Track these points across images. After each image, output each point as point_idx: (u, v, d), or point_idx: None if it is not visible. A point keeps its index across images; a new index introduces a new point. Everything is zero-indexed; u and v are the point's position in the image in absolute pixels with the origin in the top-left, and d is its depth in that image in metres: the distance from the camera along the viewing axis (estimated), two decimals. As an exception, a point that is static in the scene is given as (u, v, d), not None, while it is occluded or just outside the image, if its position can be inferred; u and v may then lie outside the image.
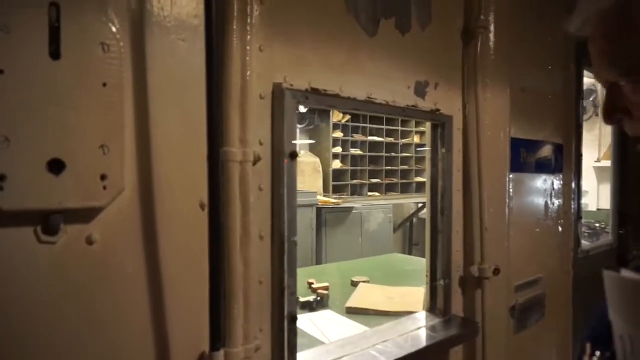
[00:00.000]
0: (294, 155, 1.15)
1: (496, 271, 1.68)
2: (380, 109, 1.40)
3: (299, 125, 6.03)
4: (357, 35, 1.37)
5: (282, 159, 1.14)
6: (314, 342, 1.51)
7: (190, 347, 0.99)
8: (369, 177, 6.44)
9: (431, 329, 1.53)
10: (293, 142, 1.16)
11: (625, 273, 0.64)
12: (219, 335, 0.94)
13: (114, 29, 0.86)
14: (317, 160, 5.81)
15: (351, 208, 5.42)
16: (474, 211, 1.72)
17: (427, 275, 1.67)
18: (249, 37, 1.07)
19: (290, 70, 1.19)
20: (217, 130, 0.92)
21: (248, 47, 1.07)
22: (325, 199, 5.32)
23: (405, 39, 1.52)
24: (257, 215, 1.13)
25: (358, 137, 6.33)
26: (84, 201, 0.83)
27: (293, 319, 1.15)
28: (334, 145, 6.02)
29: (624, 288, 0.64)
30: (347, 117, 5.97)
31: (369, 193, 6.41)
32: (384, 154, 6.54)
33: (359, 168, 6.32)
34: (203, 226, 0.97)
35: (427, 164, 1.69)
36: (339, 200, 5.45)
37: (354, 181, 6.26)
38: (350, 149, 6.23)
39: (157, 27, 0.96)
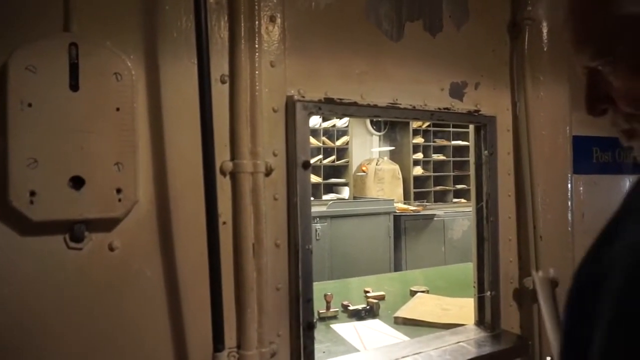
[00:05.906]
0: (306, 165, 1.18)
1: (553, 284, 1.52)
2: (404, 114, 1.37)
3: (377, 133, 6.02)
4: (380, 43, 1.36)
5: (295, 169, 1.17)
6: (350, 350, 1.51)
7: (203, 343, 1.05)
8: (454, 183, 6.17)
9: (474, 343, 1.43)
10: (307, 151, 1.19)
11: None
12: (221, 337, 0.99)
13: (126, 60, 0.97)
14: (397, 167, 5.72)
15: (433, 215, 5.23)
16: (528, 218, 1.58)
17: (474, 287, 1.57)
18: (257, 54, 1.13)
19: (304, 83, 1.23)
20: (212, 144, 0.98)
21: (257, 64, 1.13)
22: (405, 206, 5.21)
23: (436, 40, 1.46)
24: (273, 224, 1.18)
25: (441, 142, 6.12)
26: (102, 212, 0.95)
27: (309, 326, 1.17)
28: (415, 152, 5.89)
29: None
30: (427, 122, 5.80)
31: (454, 200, 6.14)
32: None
33: (441, 174, 6.10)
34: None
35: (471, 168, 1.60)
36: (420, 208, 5.30)
37: (437, 188, 6.05)
38: (433, 155, 6.04)
39: (170, 54, 1.06)
